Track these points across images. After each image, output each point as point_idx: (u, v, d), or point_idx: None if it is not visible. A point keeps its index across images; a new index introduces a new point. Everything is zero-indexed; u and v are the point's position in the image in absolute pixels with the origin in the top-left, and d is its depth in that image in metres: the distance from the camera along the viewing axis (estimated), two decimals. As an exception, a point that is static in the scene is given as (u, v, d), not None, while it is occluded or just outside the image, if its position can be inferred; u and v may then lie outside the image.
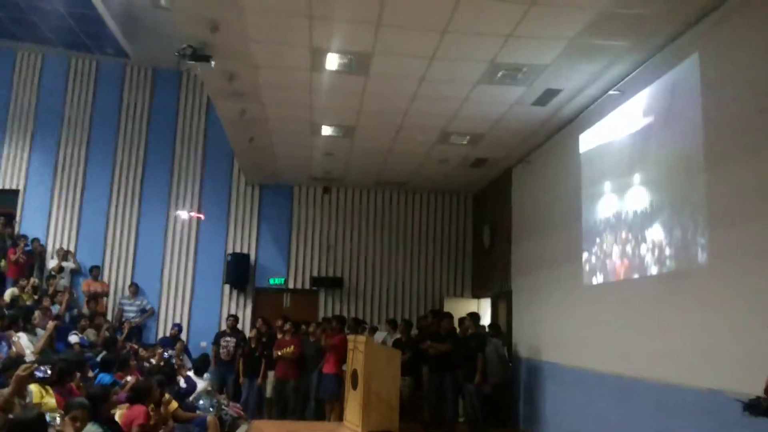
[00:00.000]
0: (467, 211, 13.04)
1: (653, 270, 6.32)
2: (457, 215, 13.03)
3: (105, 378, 6.54)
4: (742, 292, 4.94)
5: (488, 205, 12.10)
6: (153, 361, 8.11)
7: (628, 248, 6.83)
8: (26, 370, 4.33)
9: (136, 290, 11.76)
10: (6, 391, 4.29)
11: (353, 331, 10.19)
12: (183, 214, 12.20)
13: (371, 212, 12.86)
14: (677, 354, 5.73)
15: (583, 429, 7.46)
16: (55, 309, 10.18)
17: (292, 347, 9.81)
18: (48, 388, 5.69)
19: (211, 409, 7.08)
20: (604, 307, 7.26)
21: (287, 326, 10.02)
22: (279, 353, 9.79)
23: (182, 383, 7.35)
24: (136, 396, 5.59)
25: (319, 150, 10.23)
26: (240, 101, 8.11)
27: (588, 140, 7.93)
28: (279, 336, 10.17)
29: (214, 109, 9.49)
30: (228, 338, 10.33)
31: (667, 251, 6.07)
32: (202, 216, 12.27)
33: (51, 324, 8.07)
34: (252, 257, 12.40)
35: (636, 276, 6.65)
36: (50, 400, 5.32)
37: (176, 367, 8.11)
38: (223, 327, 10.98)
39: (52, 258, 11.78)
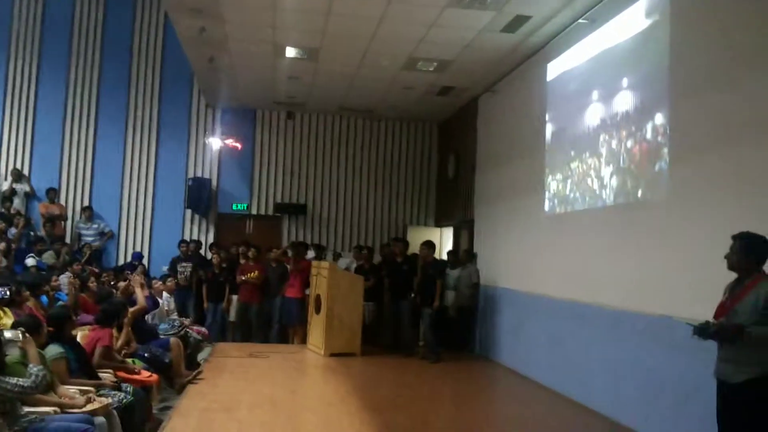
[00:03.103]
0: (432, 140, 13.00)
1: (613, 200, 6.45)
2: (422, 144, 12.98)
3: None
4: (698, 224, 5.08)
5: (454, 134, 12.07)
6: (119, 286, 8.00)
7: (590, 179, 6.93)
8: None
9: (90, 214, 11.51)
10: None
11: (317, 257, 10.26)
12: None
13: (336, 139, 12.70)
14: (632, 282, 5.93)
15: (538, 353, 7.76)
16: (11, 232, 9.96)
17: (256, 272, 9.87)
18: (6, 309, 5.64)
19: (173, 330, 7.09)
20: (564, 236, 7.42)
21: (251, 252, 10.04)
22: (243, 278, 9.84)
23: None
24: (104, 318, 5.56)
25: (282, 72, 9.95)
26: (199, 18, 7.76)
27: (556, 69, 7.88)
28: (242, 261, 10.20)
29: (172, 26, 9.08)
30: (184, 263, 10.28)
31: (627, 182, 6.18)
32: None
33: (1, 245, 7.92)
34: (214, 182, 12.22)
35: (596, 206, 6.78)
36: (8, 321, 5.27)
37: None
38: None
39: (6, 180, 11.40)
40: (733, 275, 3.80)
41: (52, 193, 11.42)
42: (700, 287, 4.72)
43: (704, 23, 5.26)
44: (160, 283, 8.56)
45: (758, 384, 3.52)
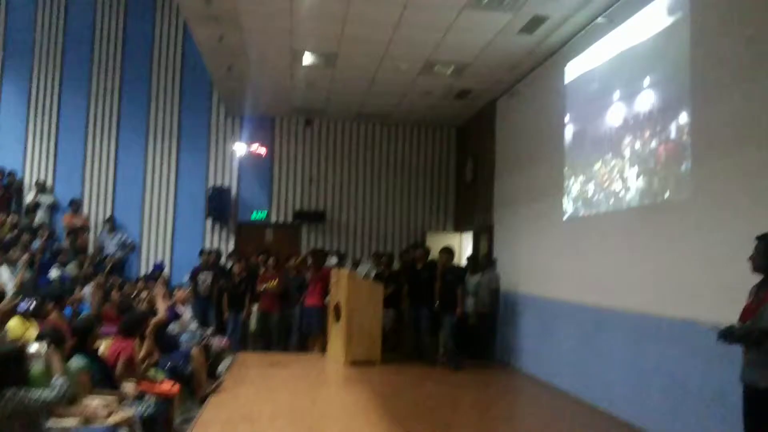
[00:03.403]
0: (450, 145, 12.94)
1: (634, 202, 6.35)
2: (440, 148, 12.94)
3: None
4: (721, 225, 4.99)
5: (472, 138, 12.01)
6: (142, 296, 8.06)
7: (610, 181, 6.83)
8: (9, 303, 4.30)
9: (113, 225, 11.63)
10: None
11: (339, 263, 10.16)
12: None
13: (354, 145, 12.71)
14: (655, 285, 5.83)
15: (560, 360, 7.66)
16: (36, 244, 10.10)
17: (276, 281, 9.88)
18: (31, 321, 5.70)
19: (195, 340, 7.11)
20: (585, 239, 7.32)
21: (271, 260, 10.07)
22: (263, 287, 9.86)
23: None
24: (127, 329, 5.59)
25: (300, 79, 9.98)
26: (217, 26, 7.82)
27: (574, 70, 7.80)
28: (261, 270, 10.22)
29: (191, 36, 9.16)
30: (205, 273, 10.32)
31: (650, 184, 6.08)
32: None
33: (24, 257, 8.04)
34: (233, 191, 12.29)
35: (617, 208, 6.68)
36: (33, 334, 5.32)
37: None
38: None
39: (30, 192, 11.58)
40: (758, 277, 3.71)
41: (75, 205, 11.56)
42: (725, 290, 4.62)
43: (725, 20, 5.16)
44: (182, 290, 8.56)
45: (787, 390, 3.43)
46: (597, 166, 7.13)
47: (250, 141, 11.87)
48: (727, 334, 3.53)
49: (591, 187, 7.27)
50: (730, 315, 3.76)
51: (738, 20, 5.00)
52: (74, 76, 12.00)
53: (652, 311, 5.78)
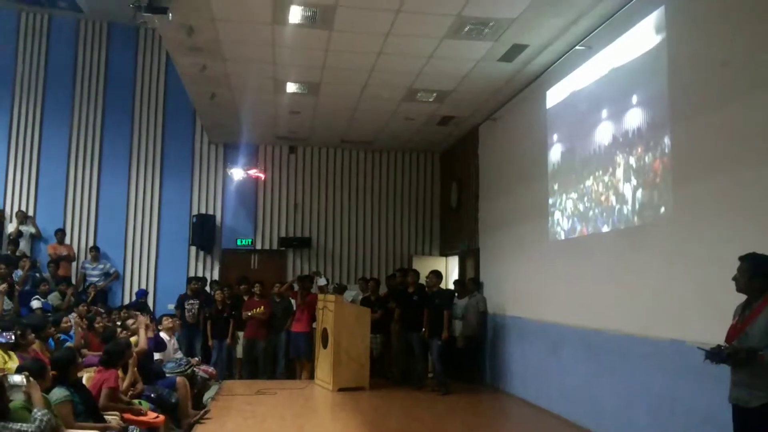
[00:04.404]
0: (434, 170, 13.03)
1: (618, 224, 6.42)
2: (424, 174, 13.02)
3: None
4: (703, 245, 5.05)
5: (455, 163, 12.11)
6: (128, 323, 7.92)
7: (594, 203, 6.91)
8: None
9: (97, 254, 11.52)
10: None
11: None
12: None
13: (338, 172, 12.75)
14: (640, 306, 5.87)
15: (549, 382, 7.65)
16: (18, 274, 9.95)
17: (262, 308, 9.82)
18: (11, 353, 5.60)
19: (179, 369, 7.01)
20: (570, 261, 7.37)
21: (256, 287, 10.01)
22: (249, 314, 9.79)
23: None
24: (108, 359, 5.51)
25: (284, 108, 10.04)
26: (200, 56, 7.86)
27: (555, 96, 7.93)
28: (246, 297, 10.16)
29: (174, 66, 9.19)
30: (192, 301, 10.21)
31: (632, 205, 6.16)
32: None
33: (2, 287, 7.94)
34: (218, 218, 12.24)
35: (601, 230, 6.75)
36: (14, 365, 5.23)
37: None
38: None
39: (11, 222, 11.45)
40: (743, 297, 3.75)
41: (60, 234, 11.43)
42: (711, 310, 4.66)
43: (701, 45, 5.29)
44: (169, 319, 8.41)
45: (775, 408, 3.45)
46: (581, 188, 7.22)
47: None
48: (714, 354, 3.55)
49: (576, 209, 7.34)
50: (717, 335, 3.79)
51: (714, 45, 5.13)
52: (56, 106, 11.94)
53: (639, 332, 5.81)
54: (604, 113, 6.74)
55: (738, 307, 3.77)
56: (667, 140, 5.60)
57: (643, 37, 6.04)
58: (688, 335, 4.91)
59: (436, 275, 9.21)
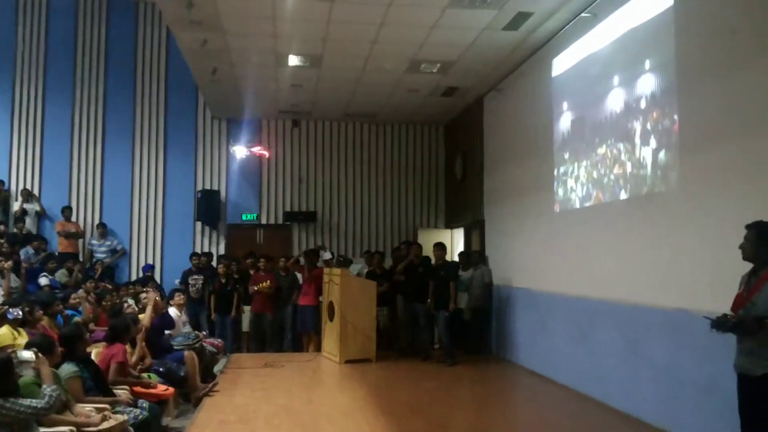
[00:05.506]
0: (439, 142, 12.95)
1: (623, 194, 6.37)
2: (428, 146, 12.94)
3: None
4: (709, 214, 5.01)
5: (460, 135, 12.02)
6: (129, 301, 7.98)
7: (599, 174, 6.86)
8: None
9: (104, 231, 11.56)
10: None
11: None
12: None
13: (342, 145, 12.69)
14: (647, 276, 5.86)
15: (555, 352, 7.68)
16: (27, 252, 10.02)
17: (269, 282, 9.86)
18: (21, 329, 5.65)
19: (188, 342, 7.06)
20: (576, 232, 7.34)
21: (262, 262, 10.04)
22: (255, 288, 9.83)
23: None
24: (113, 335, 5.55)
25: (285, 81, 9.95)
26: (200, 30, 7.77)
27: (561, 65, 7.82)
28: (252, 271, 10.19)
29: (174, 41, 9.10)
30: (196, 276, 10.24)
31: (638, 175, 6.10)
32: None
33: (8, 264, 8.00)
34: (222, 193, 12.24)
35: (606, 200, 6.71)
36: (23, 341, 5.28)
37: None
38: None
39: (17, 200, 11.48)
40: (749, 265, 3.73)
41: (68, 212, 11.44)
42: (717, 279, 4.65)
43: (709, 12, 5.18)
44: (179, 296, 8.39)
45: (780, 376, 3.45)
46: (585, 158, 7.15)
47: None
48: (721, 323, 3.54)
49: (582, 180, 7.29)
50: (723, 304, 3.77)
51: (722, 12, 5.03)
52: (58, 84, 11.89)
53: (645, 302, 5.80)
54: (609, 82, 6.63)
55: (744, 276, 3.75)
56: (674, 108, 5.52)
57: (649, 3, 5.92)
58: (694, 305, 4.90)
59: (440, 247, 9.21)
